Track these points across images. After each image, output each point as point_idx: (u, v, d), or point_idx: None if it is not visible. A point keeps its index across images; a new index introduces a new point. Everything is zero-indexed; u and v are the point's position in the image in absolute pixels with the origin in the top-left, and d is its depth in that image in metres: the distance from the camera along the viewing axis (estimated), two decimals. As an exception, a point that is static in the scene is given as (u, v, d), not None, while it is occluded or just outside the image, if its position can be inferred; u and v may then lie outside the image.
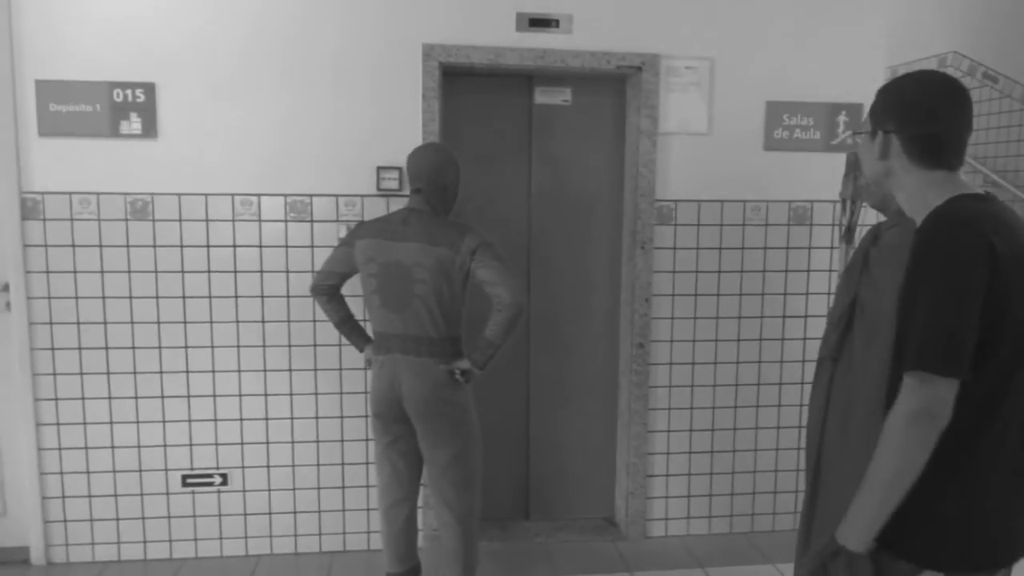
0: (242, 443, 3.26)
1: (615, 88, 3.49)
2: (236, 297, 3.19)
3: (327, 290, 2.74)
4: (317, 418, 3.28)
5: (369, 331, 2.79)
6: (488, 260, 2.50)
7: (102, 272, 3.11)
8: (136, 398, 3.19)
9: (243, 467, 3.27)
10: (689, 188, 3.37)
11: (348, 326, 2.78)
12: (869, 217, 2.88)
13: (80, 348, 3.14)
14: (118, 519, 3.23)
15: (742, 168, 3.38)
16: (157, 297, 3.15)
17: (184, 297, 3.16)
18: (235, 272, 3.18)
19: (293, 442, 3.29)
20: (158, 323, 3.16)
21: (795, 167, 3.41)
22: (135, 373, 3.17)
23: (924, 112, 1.49)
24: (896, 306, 1.42)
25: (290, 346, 3.23)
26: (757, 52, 3.34)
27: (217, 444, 3.25)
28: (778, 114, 3.37)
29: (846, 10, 3.38)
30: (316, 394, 3.27)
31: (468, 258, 2.50)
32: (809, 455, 2.60)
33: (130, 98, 3.05)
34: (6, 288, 3.09)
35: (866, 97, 3.41)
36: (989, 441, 1.41)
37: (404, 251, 2.53)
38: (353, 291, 2.79)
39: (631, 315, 3.45)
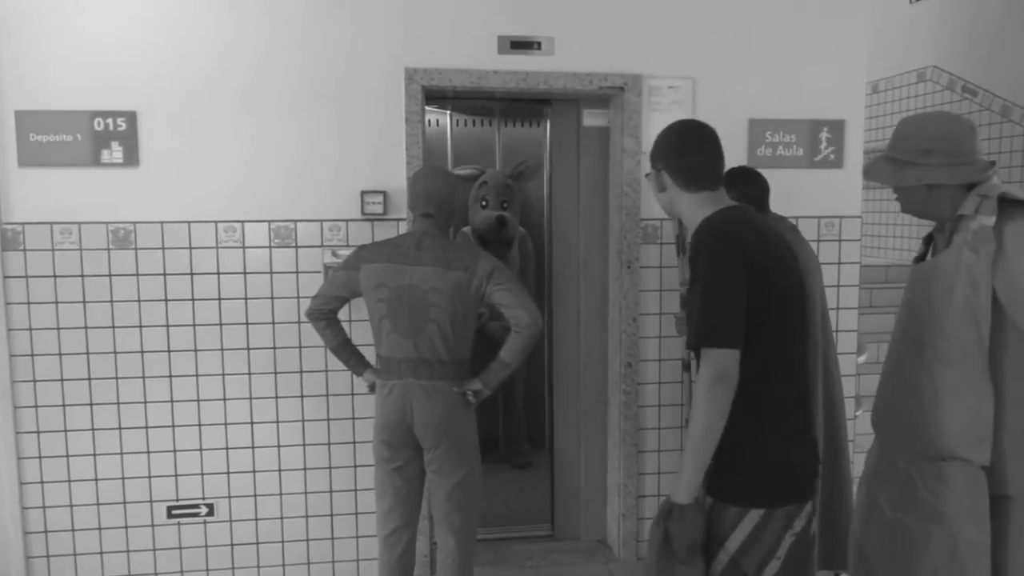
0: (228, 472, 3.22)
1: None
2: (220, 325, 3.16)
3: (326, 315, 2.71)
4: (304, 445, 3.25)
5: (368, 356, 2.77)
6: (505, 283, 2.54)
7: (84, 302, 3.08)
8: (120, 429, 3.15)
9: (229, 497, 3.23)
10: (674, 207, 3.37)
11: (347, 351, 2.75)
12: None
13: (62, 380, 3.09)
14: (102, 553, 3.18)
15: (726, 186, 3.39)
16: (140, 326, 3.12)
17: (168, 326, 3.13)
18: (219, 299, 3.15)
19: (280, 470, 3.25)
20: (141, 352, 3.13)
21: (778, 184, 3.37)
22: (118, 404, 3.13)
23: (676, 150, 1.91)
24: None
25: (276, 373, 3.20)
26: (739, 71, 3.36)
27: (203, 474, 3.21)
28: (761, 131, 3.39)
29: (827, 27, 3.40)
30: (303, 421, 3.24)
31: (484, 281, 2.53)
32: None
33: (111, 127, 3.03)
34: (-14, 320, 3.05)
35: (848, 113, 3.46)
36: (770, 402, 1.76)
37: (419, 275, 2.53)
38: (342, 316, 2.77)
39: (619, 335, 3.44)
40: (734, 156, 3.37)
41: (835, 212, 3.49)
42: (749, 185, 2.87)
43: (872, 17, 3.54)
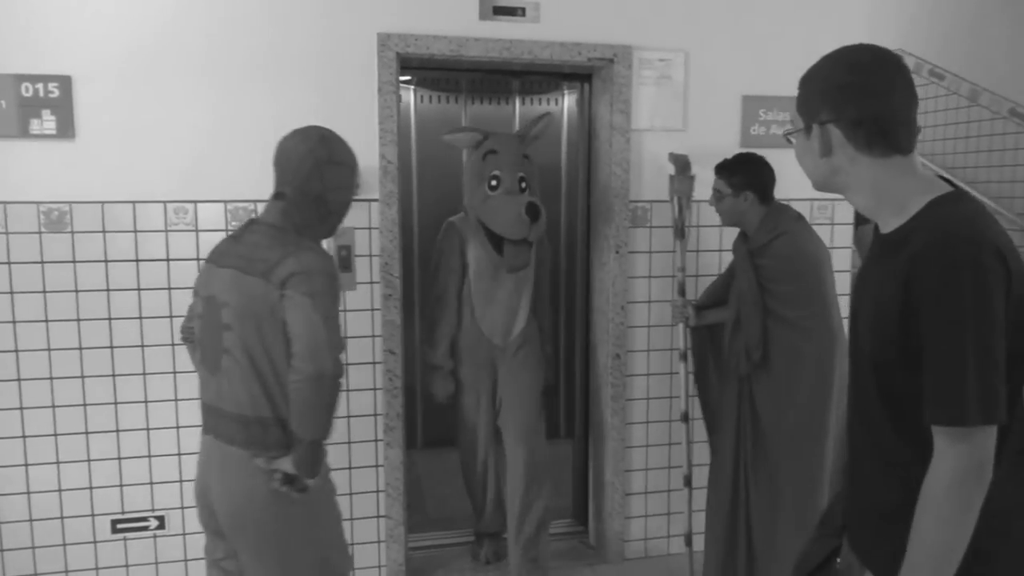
0: (181, 480, 2.90)
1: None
2: (171, 317, 2.83)
3: (192, 334, 2.04)
4: (267, 449, 2.95)
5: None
6: (298, 296, 1.73)
7: (12, 293, 2.72)
8: (56, 435, 2.80)
9: (182, 508, 2.92)
10: (664, 188, 3.17)
11: None
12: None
13: (-13, 381, 2.74)
14: (36, 575, 2.83)
15: (718, 166, 3.21)
16: (78, 320, 2.77)
17: (110, 319, 2.79)
18: (169, 289, 2.83)
19: (240, 477, 2.95)
20: (80, 349, 2.78)
21: (773, 164, 3.26)
22: (54, 407, 2.78)
23: (858, 90, 1.31)
24: (900, 341, 1.25)
25: (235, 370, 2.89)
26: (733, 45, 3.18)
27: (152, 483, 2.89)
28: (754, 109, 3.22)
29: (822, 2, 3.25)
30: (265, 423, 2.94)
31: (277, 291, 1.75)
32: (723, 466, 2.79)
33: (41, 93, 2.66)
34: None
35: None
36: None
37: (219, 282, 1.85)
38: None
39: (606, 324, 3.24)
40: (726, 135, 3.22)
41: (829, 195, 3.34)
42: (755, 175, 2.71)
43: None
